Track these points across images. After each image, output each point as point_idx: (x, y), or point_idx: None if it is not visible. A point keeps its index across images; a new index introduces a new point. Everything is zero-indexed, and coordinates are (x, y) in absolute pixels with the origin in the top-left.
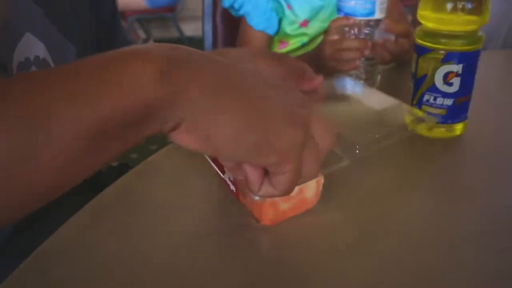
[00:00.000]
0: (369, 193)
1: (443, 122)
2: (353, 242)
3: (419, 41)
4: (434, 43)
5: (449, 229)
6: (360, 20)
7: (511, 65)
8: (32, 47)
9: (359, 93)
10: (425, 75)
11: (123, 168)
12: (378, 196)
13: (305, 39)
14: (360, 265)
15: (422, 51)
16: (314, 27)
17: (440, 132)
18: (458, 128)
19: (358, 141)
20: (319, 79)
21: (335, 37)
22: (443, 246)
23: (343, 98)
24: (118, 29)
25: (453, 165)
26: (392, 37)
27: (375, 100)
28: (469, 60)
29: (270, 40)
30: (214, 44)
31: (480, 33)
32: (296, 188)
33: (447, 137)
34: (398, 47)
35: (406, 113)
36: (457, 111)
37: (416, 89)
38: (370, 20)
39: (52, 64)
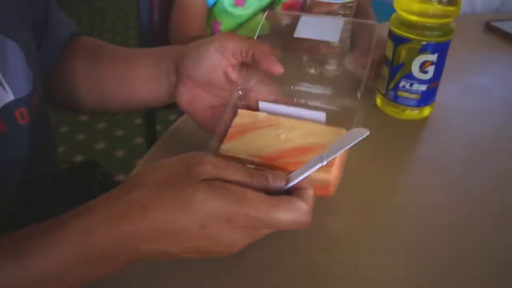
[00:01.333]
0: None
1: (417, 106)
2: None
3: (396, 30)
4: (414, 34)
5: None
6: (338, 4)
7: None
8: None
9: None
10: (403, 64)
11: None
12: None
13: (240, 19)
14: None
15: (400, 40)
16: (252, 7)
17: (413, 114)
18: (427, 110)
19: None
20: (279, 69)
21: None
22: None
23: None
24: (52, 12)
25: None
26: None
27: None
28: (443, 50)
29: (207, 13)
30: (150, 14)
31: (452, 24)
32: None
33: (417, 119)
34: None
35: (378, 94)
36: (429, 95)
37: (392, 76)
38: (348, 2)
39: None
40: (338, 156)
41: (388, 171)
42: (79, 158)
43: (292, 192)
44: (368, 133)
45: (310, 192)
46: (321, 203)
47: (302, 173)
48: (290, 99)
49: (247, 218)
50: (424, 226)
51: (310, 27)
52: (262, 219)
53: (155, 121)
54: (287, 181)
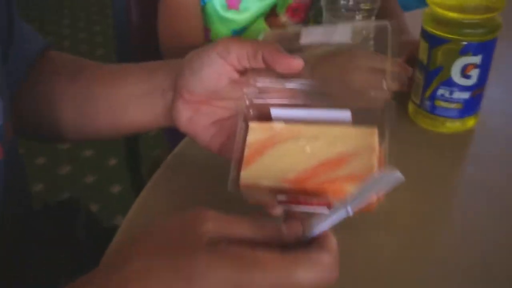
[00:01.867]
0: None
1: (459, 117)
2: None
3: (431, 30)
4: (452, 34)
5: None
6: None
7: None
8: None
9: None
10: (440, 68)
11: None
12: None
13: (233, 26)
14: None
15: (436, 41)
16: (249, 12)
17: (454, 127)
18: (471, 121)
19: None
20: (299, 62)
21: None
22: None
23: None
24: (15, 18)
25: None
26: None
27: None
28: (488, 50)
29: (200, 14)
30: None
31: (498, 18)
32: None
33: (460, 131)
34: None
35: (411, 104)
36: (473, 104)
37: (428, 83)
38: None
39: None
40: (377, 163)
41: (429, 197)
42: (39, 186)
43: (311, 241)
44: (403, 179)
45: (333, 240)
46: (348, 246)
47: (324, 221)
48: (306, 100)
49: (262, 284)
50: (477, 262)
51: (316, 34)
52: (280, 282)
53: (137, 137)
54: (305, 230)
